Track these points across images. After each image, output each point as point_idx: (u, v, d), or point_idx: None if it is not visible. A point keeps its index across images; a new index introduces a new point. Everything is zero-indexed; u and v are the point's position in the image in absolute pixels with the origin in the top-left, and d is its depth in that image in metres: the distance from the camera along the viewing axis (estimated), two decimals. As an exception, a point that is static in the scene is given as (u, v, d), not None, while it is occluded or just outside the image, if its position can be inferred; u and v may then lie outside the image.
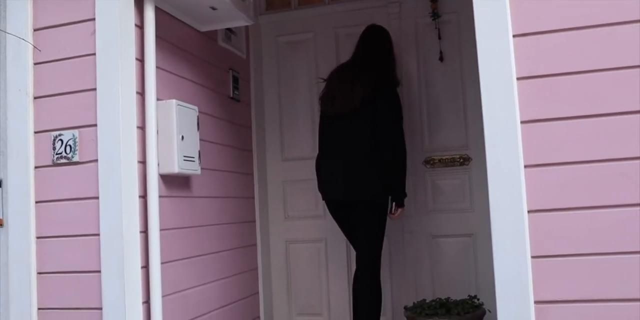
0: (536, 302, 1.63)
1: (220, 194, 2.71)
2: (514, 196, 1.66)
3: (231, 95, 2.91)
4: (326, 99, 2.80)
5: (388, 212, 2.74)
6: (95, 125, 2.02)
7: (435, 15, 3.09)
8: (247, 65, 3.20)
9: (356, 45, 2.89)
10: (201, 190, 2.51)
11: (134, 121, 2.07)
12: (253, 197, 3.16)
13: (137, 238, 2.02)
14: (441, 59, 3.10)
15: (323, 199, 2.85)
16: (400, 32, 3.19)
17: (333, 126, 2.76)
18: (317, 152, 2.86)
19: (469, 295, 2.75)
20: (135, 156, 2.06)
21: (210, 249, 2.56)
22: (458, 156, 3.07)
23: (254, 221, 3.15)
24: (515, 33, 1.70)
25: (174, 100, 2.19)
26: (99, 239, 1.98)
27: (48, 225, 2.07)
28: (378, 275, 2.70)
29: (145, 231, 2.06)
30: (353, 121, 2.67)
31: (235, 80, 2.97)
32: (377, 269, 2.70)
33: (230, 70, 2.92)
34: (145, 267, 2.05)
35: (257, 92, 3.27)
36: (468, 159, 3.05)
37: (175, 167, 2.17)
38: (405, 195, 2.74)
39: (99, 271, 1.97)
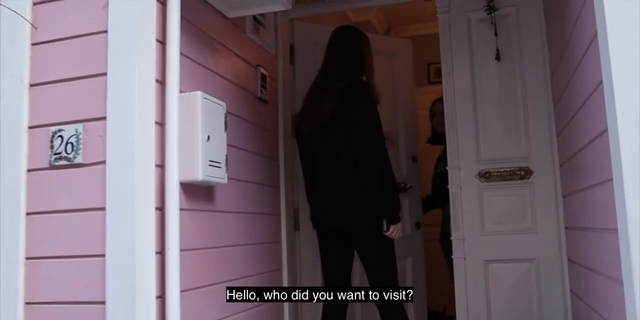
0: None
1: (246, 209, 2.31)
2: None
3: (259, 95, 2.53)
4: (299, 117, 2.59)
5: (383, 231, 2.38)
6: (104, 118, 1.62)
7: (491, 8, 2.73)
8: (275, 62, 2.82)
9: (325, 53, 2.64)
10: (226, 204, 2.11)
11: (152, 115, 1.68)
12: (279, 214, 2.74)
13: (152, 260, 1.61)
14: (498, 57, 2.72)
15: (314, 228, 2.59)
16: (450, 28, 2.82)
17: (309, 148, 2.56)
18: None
19: (533, 329, 2.34)
20: (152, 158, 1.66)
21: (236, 274, 2.14)
22: (518, 169, 2.66)
23: (280, 242, 2.73)
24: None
25: (199, 92, 1.80)
26: (104, 260, 1.57)
27: (41, 242, 1.65)
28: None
29: (161, 252, 1.65)
30: (327, 140, 2.43)
31: (263, 78, 2.59)
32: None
33: (259, 66, 2.54)
34: (161, 297, 1.63)
35: (285, 93, 2.89)
36: (530, 171, 2.65)
37: (200, 173, 1.77)
38: (399, 208, 2.40)
39: (104, 302, 1.55)
